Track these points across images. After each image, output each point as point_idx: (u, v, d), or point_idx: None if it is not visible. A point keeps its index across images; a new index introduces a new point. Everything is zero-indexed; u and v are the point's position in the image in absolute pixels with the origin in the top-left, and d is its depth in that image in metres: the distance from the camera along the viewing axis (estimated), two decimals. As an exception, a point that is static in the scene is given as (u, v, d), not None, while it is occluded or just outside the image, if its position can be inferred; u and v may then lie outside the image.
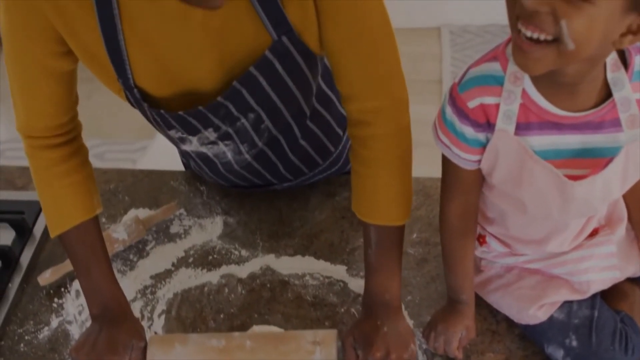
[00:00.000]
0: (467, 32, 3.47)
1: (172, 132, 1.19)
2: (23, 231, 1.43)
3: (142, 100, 1.12)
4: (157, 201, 1.48)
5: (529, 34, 0.85)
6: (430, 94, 3.10)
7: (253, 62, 1.08)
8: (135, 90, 1.11)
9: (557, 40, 0.84)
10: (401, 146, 1.16)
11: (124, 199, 1.49)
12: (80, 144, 1.24)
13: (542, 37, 0.85)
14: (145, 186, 1.52)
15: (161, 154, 2.50)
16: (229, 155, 1.26)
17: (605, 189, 1.01)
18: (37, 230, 1.45)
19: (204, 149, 1.25)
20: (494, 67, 0.98)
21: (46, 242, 1.43)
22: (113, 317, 1.19)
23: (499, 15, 3.32)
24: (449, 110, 1.03)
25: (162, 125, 1.17)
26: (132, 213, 1.45)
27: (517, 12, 0.86)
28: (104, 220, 1.44)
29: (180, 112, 1.12)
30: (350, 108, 1.14)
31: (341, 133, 1.41)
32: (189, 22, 1.03)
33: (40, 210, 1.46)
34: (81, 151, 1.24)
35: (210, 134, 1.18)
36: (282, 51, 1.06)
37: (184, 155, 1.44)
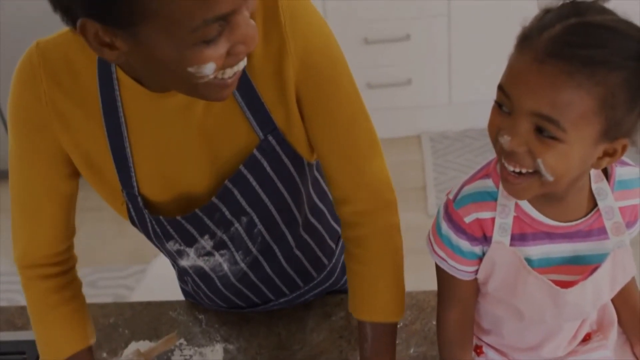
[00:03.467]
0: (446, 138, 3.56)
1: (170, 244, 1.25)
2: (25, 371, 1.43)
3: (144, 208, 1.18)
4: (157, 332, 1.50)
5: (511, 168, 0.96)
6: (415, 202, 3.15)
7: (242, 162, 1.15)
8: (139, 198, 1.18)
9: (537, 172, 0.91)
10: (393, 244, 1.23)
11: (124, 332, 1.51)
12: (75, 277, 1.31)
13: (524, 170, 0.93)
14: (145, 318, 1.54)
15: (158, 281, 2.51)
16: (225, 266, 1.32)
17: (595, 293, 1.08)
18: (39, 369, 1.44)
19: (200, 262, 1.30)
20: (487, 184, 1.07)
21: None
22: None
23: (476, 120, 3.44)
24: (444, 226, 1.10)
25: (161, 236, 1.23)
26: (133, 346, 1.47)
27: (499, 148, 0.93)
28: (104, 355, 1.47)
29: (178, 217, 1.18)
30: (342, 211, 1.22)
31: (334, 246, 1.47)
32: (188, 123, 1.11)
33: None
34: (75, 283, 1.30)
35: (207, 243, 1.24)
36: (268, 150, 1.14)
37: (182, 276, 1.46)
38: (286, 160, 1.17)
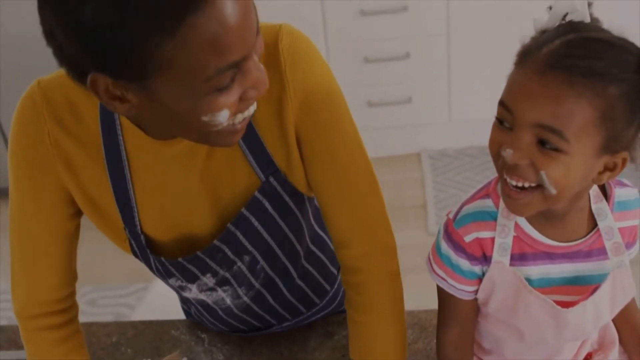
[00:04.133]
0: (446, 156, 3.57)
1: (172, 281, 1.25)
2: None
3: (146, 247, 1.18)
4: (160, 351, 1.51)
5: (514, 183, 0.95)
6: (415, 219, 3.15)
7: (244, 204, 1.15)
8: (142, 237, 1.17)
9: (540, 186, 0.91)
10: (393, 291, 1.21)
11: (127, 352, 1.51)
12: (79, 327, 1.29)
13: (526, 184, 0.92)
14: (147, 337, 1.54)
15: (160, 299, 2.50)
16: (228, 300, 1.32)
17: (595, 313, 1.09)
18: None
19: (203, 296, 1.30)
20: (487, 204, 1.08)
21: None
22: None
23: (476, 137, 3.46)
24: (444, 245, 1.11)
25: (163, 273, 1.23)
26: (136, 365, 1.46)
27: (501, 164, 0.93)
28: (107, 374, 1.45)
29: (180, 259, 1.18)
30: (341, 254, 1.21)
31: (336, 272, 1.47)
32: (191, 168, 1.11)
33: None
34: (79, 334, 1.28)
35: (209, 280, 1.24)
36: (270, 191, 1.14)
37: (185, 302, 1.46)
38: (287, 198, 1.17)
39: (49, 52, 0.90)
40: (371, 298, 1.20)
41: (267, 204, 1.15)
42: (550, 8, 0.98)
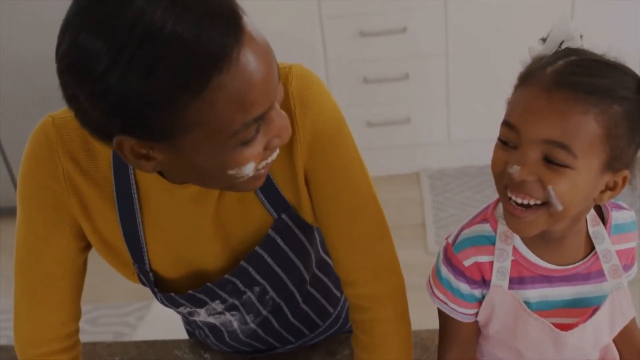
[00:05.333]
0: (445, 176, 3.59)
1: (180, 309, 1.26)
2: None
3: (154, 284, 1.18)
4: (163, 372, 1.50)
5: (519, 200, 0.95)
6: (414, 239, 3.17)
7: (256, 241, 1.15)
8: (150, 274, 1.17)
9: (546, 204, 0.93)
10: (401, 333, 1.21)
11: (130, 372, 1.50)
12: None
13: (532, 202, 0.93)
14: (150, 357, 1.55)
15: (161, 318, 2.50)
16: (235, 324, 1.32)
17: (595, 335, 1.10)
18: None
19: (211, 319, 1.30)
20: (485, 229, 1.09)
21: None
22: None
23: (474, 157, 3.47)
24: (444, 269, 1.11)
25: (171, 305, 1.23)
26: (139, 386, 1.46)
27: (505, 182, 0.94)
28: (110, 395, 1.45)
29: (190, 291, 1.18)
30: (348, 293, 1.21)
31: (339, 295, 1.47)
32: (203, 209, 1.11)
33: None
34: None
35: (218, 306, 1.25)
36: (282, 228, 1.15)
37: (189, 323, 1.46)
38: (298, 232, 1.17)
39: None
40: (378, 338, 1.19)
41: (279, 240, 1.16)
42: (544, 40, 1.00)
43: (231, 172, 0.92)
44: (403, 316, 1.21)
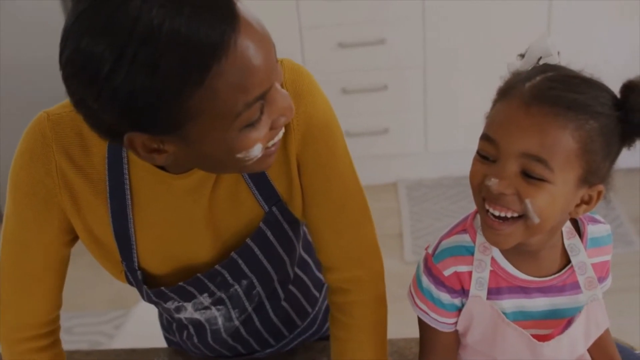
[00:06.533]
0: (422, 186, 3.61)
1: (168, 304, 1.27)
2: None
3: (142, 282, 1.20)
4: (141, 380, 1.49)
5: (497, 213, 0.96)
6: (391, 249, 3.18)
7: (246, 234, 1.18)
8: (138, 272, 1.18)
9: (522, 217, 0.95)
10: (378, 314, 1.26)
11: (108, 380, 1.50)
12: (61, 350, 1.31)
13: (509, 214, 0.95)
14: (129, 365, 1.53)
15: (139, 327, 2.49)
16: (220, 320, 1.34)
17: (570, 346, 1.12)
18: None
19: (197, 315, 1.31)
20: (465, 239, 1.10)
21: None
22: None
23: (451, 168, 3.49)
24: (425, 280, 1.13)
25: (160, 300, 1.25)
26: (117, 394, 1.46)
27: (483, 194, 0.95)
28: (88, 403, 1.45)
29: (181, 283, 1.20)
30: (330, 277, 1.25)
31: (318, 295, 1.49)
32: (197, 202, 1.13)
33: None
34: (62, 354, 1.31)
35: (205, 299, 1.26)
36: (273, 221, 1.18)
37: (169, 329, 1.47)
38: (286, 226, 1.20)
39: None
40: (355, 319, 1.24)
41: (269, 233, 1.18)
42: (522, 56, 1.02)
43: (239, 155, 0.94)
44: (381, 298, 1.25)
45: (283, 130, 1.01)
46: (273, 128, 0.96)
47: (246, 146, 0.93)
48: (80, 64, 0.84)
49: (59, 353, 1.29)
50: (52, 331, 1.26)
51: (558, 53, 1.01)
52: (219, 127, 0.90)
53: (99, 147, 1.09)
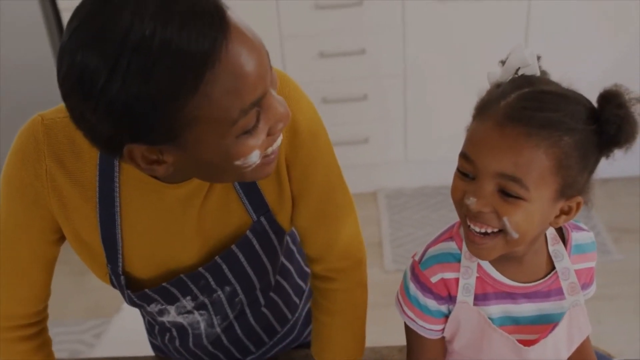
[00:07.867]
0: (402, 195, 3.62)
1: (152, 306, 1.27)
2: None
3: (125, 287, 1.21)
4: (126, 388, 1.49)
5: (477, 229, 0.98)
6: (371, 257, 3.13)
7: (233, 241, 1.20)
8: (122, 277, 1.20)
9: (502, 231, 0.96)
10: (358, 299, 1.34)
11: (93, 388, 1.49)
12: (48, 336, 1.33)
13: (489, 230, 0.97)
14: (113, 373, 1.52)
15: (119, 336, 2.47)
16: (202, 325, 1.35)
17: (554, 351, 1.14)
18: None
19: (180, 319, 1.33)
20: (451, 246, 1.12)
21: None
22: None
23: (431, 177, 3.51)
24: (412, 287, 1.14)
25: (143, 303, 1.26)
26: (102, 402, 1.45)
27: (464, 211, 0.97)
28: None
29: (164, 284, 1.21)
30: (315, 268, 1.31)
31: (298, 301, 1.51)
32: (187, 211, 1.14)
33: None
34: (49, 341, 1.33)
35: (188, 303, 1.27)
36: (259, 230, 1.20)
37: (152, 332, 1.48)
38: (272, 236, 1.22)
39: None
40: (337, 304, 1.31)
41: (255, 242, 1.21)
42: (503, 63, 1.04)
43: (237, 162, 0.95)
44: (363, 284, 1.33)
45: (281, 137, 1.02)
46: (270, 134, 0.97)
47: (244, 153, 0.94)
48: (77, 78, 0.86)
49: (47, 340, 1.31)
50: (41, 320, 1.28)
51: (538, 58, 1.03)
52: (216, 134, 0.91)
53: (90, 153, 1.10)
